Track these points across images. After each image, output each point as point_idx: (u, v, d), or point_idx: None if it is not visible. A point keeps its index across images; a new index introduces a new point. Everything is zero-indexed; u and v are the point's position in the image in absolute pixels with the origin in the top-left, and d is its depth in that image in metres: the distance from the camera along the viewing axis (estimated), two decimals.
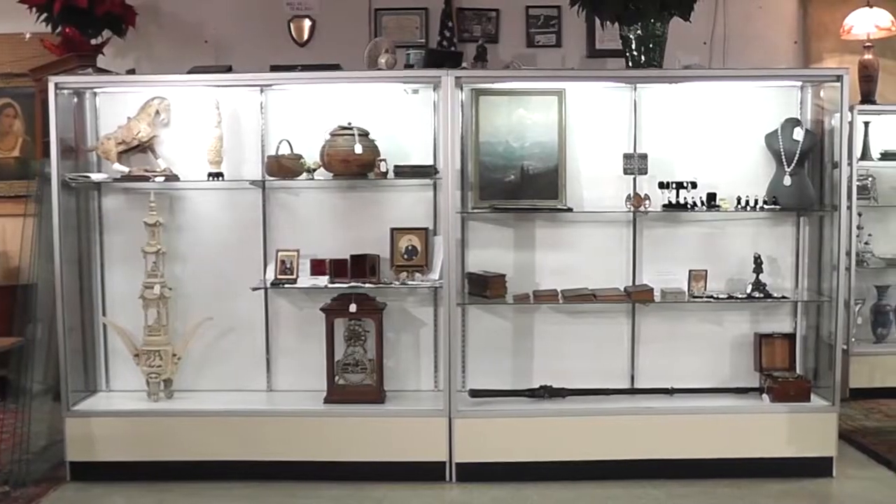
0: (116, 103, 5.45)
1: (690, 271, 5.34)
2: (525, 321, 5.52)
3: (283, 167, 5.21)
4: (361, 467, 5.13)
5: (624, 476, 5.12)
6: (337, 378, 5.29)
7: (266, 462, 5.15)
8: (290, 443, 5.13)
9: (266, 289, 5.36)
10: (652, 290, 5.30)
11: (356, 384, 5.30)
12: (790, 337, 5.52)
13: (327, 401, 5.25)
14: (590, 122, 5.44)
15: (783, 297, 5.44)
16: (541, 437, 5.13)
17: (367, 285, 5.24)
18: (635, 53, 5.25)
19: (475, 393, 5.30)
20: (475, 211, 5.36)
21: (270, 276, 5.32)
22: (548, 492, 5.01)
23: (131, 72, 6.28)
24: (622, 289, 5.40)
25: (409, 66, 5.64)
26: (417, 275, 5.30)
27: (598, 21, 5.58)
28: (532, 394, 5.32)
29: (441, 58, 5.55)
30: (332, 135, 5.18)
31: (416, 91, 5.41)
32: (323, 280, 5.26)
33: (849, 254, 6.74)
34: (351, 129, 5.14)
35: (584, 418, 5.15)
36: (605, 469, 5.13)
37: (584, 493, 4.99)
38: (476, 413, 5.16)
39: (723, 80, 5.55)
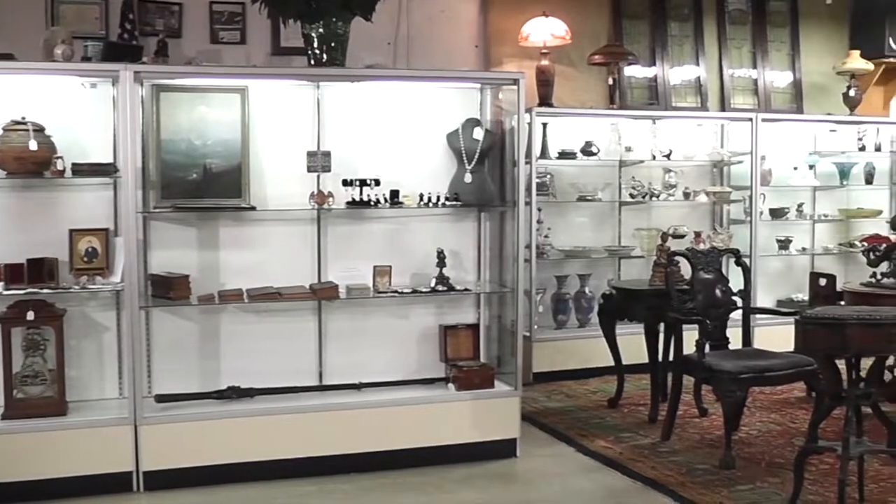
0: None
1: (375, 267, 5.42)
2: (211, 322, 5.42)
3: None
4: (45, 484, 4.83)
5: (316, 473, 5.14)
6: (15, 392, 4.98)
7: None
8: None
9: None
10: (337, 286, 5.36)
11: (36, 397, 5.01)
12: (474, 327, 5.73)
13: (5, 416, 4.92)
14: (274, 119, 5.41)
15: (466, 290, 5.65)
16: (231, 438, 5.07)
17: (45, 291, 4.96)
18: (318, 52, 5.28)
19: (161, 398, 5.16)
20: (157, 210, 5.21)
21: None
22: (241, 493, 4.96)
23: None
24: (308, 286, 5.40)
25: (86, 59, 5.42)
26: (98, 278, 5.08)
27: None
28: (220, 395, 5.23)
29: (120, 51, 5.39)
30: (5, 129, 4.86)
31: (94, 85, 5.19)
32: None
33: (529, 246, 7.10)
34: (25, 123, 4.85)
35: (273, 417, 5.13)
36: (298, 467, 5.13)
37: (277, 492, 4.98)
38: (163, 418, 5.02)
39: (405, 80, 5.69)
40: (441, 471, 5.27)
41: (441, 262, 5.51)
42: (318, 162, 5.38)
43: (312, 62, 5.31)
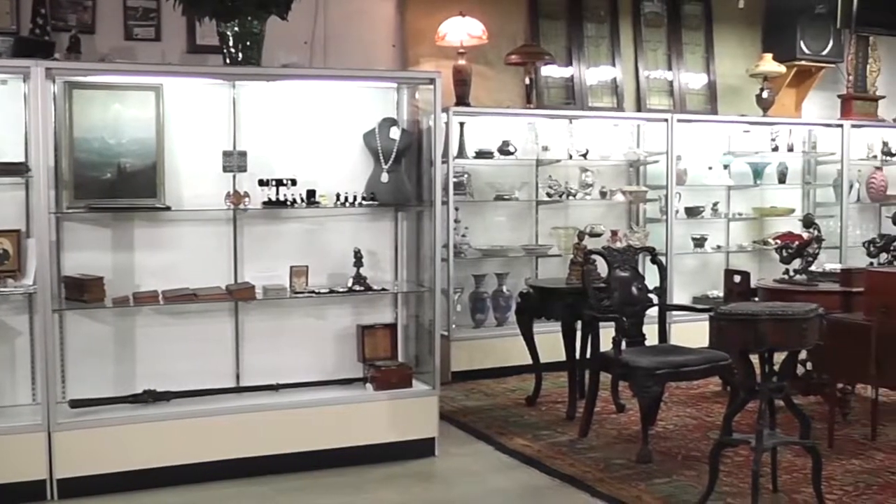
0: None
1: (292, 267, 5.39)
2: (127, 325, 5.32)
3: None
4: None
5: (235, 475, 5.09)
6: None
7: None
8: None
9: None
10: (253, 287, 5.31)
11: None
12: (392, 327, 5.73)
13: None
14: (189, 118, 5.34)
15: (383, 289, 5.65)
16: (147, 443, 4.98)
17: None
18: (233, 50, 5.21)
19: (76, 403, 5.04)
20: (70, 211, 5.10)
21: None
22: (159, 498, 4.89)
23: None
24: (224, 287, 5.34)
25: None
26: (10, 281, 4.96)
27: None
28: (136, 399, 5.15)
29: (32, 47, 5.27)
30: None
31: (4, 82, 5.05)
32: None
33: (446, 246, 7.12)
34: None
35: (190, 420, 5.07)
36: (216, 470, 5.07)
37: (195, 497, 4.92)
38: (77, 424, 4.92)
39: (321, 80, 5.66)
40: (360, 471, 5.26)
41: (358, 261, 5.49)
42: (234, 162, 5.33)
43: (228, 61, 5.25)
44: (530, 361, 6.75)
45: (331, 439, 5.29)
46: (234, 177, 5.34)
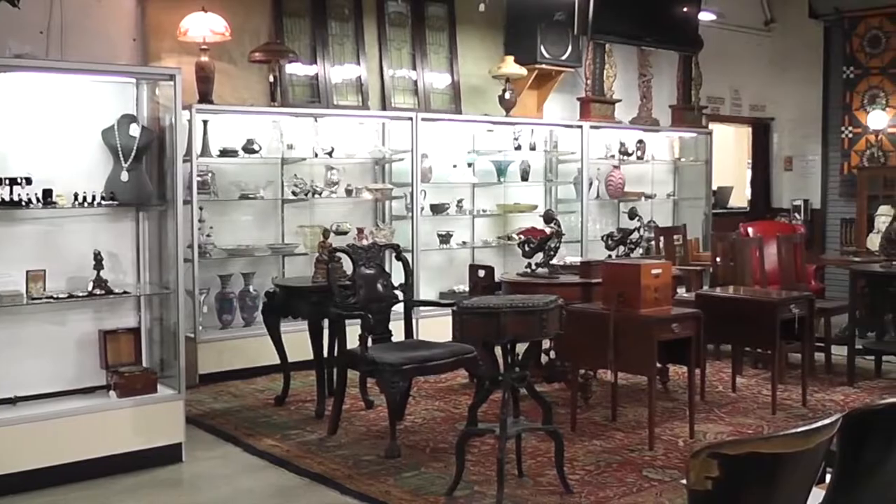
0: None
1: (28, 272, 5.11)
2: None
3: None
4: None
5: None
6: None
7: None
8: None
9: None
10: None
11: None
12: (135, 331, 5.57)
13: None
14: None
15: (125, 293, 5.45)
16: None
17: None
18: None
19: None
20: None
21: None
22: None
23: None
24: None
25: None
26: None
27: None
28: None
29: None
30: None
31: None
32: None
33: (191, 246, 6.98)
34: None
35: None
36: None
37: None
38: None
39: (57, 73, 5.38)
40: (106, 482, 5.08)
41: (98, 264, 5.28)
42: None
43: None
44: (278, 361, 6.72)
45: (74, 452, 5.06)
46: None
